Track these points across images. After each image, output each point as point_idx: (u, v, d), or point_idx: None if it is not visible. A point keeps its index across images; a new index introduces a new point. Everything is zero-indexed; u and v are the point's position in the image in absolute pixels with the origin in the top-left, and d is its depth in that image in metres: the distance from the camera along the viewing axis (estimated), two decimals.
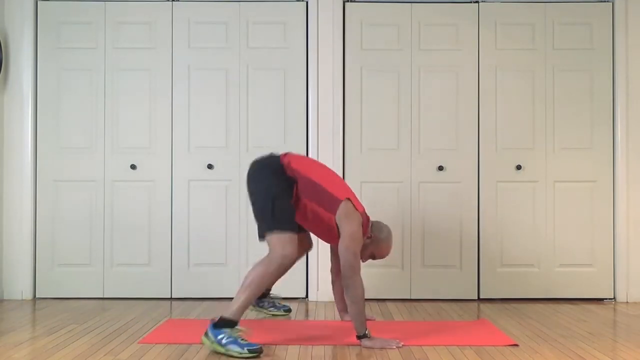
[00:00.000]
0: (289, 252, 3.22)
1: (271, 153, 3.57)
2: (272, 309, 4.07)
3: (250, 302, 3.24)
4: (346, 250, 3.26)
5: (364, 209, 3.49)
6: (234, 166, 4.59)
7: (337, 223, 3.34)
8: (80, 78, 4.63)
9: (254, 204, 3.41)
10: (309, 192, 3.36)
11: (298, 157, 3.53)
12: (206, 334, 3.11)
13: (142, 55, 4.64)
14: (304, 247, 3.68)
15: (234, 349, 3.02)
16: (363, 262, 3.53)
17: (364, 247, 3.47)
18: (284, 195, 3.34)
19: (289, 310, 4.10)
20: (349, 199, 3.37)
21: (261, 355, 3.05)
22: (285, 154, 3.49)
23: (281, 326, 3.73)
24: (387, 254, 3.61)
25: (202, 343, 3.13)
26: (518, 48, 4.65)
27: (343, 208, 3.33)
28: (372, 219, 3.61)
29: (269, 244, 3.26)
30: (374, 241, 3.52)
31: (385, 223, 3.63)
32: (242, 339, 3.07)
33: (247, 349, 3.02)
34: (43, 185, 4.61)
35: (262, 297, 4.03)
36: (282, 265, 3.23)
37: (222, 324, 3.10)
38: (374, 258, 3.59)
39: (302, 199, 3.37)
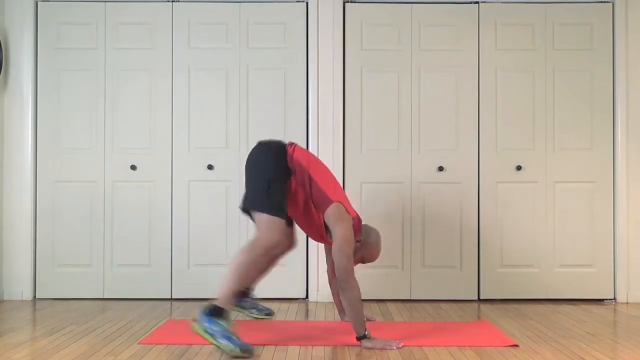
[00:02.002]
0: (276, 238, 3.22)
1: (279, 140, 3.59)
2: (253, 310, 3.91)
3: (239, 289, 3.21)
4: (340, 253, 3.25)
5: (357, 214, 3.49)
6: (234, 166, 4.59)
7: (327, 223, 3.35)
8: (80, 78, 4.63)
9: (249, 180, 3.42)
10: (304, 186, 3.38)
11: (303, 150, 3.53)
12: (197, 321, 3.06)
13: (142, 55, 4.64)
14: (291, 241, 3.53)
15: (227, 344, 2.99)
16: (354, 266, 3.53)
17: (354, 251, 3.44)
18: (281, 181, 3.36)
19: (271, 314, 3.94)
20: (340, 202, 3.37)
21: (251, 356, 3.02)
22: (292, 144, 3.50)
23: (281, 326, 3.73)
24: (376, 257, 3.61)
25: (192, 328, 3.07)
26: (518, 48, 4.65)
27: (334, 209, 3.33)
28: (365, 221, 3.61)
29: (257, 226, 3.27)
30: (363, 245, 3.51)
31: (373, 226, 3.63)
32: (236, 336, 3.03)
33: (240, 348, 3.00)
34: (43, 185, 4.61)
35: (243, 296, 3.86)
36: (267, 252, 3.22)
37: (215, 313, 3.06)
38: (363, 262, 3.59)
39: (298, 191, 3.40)
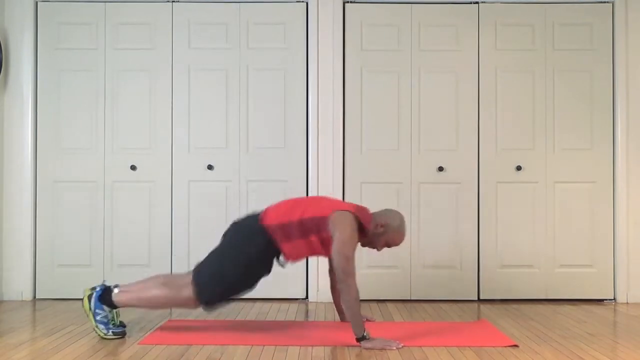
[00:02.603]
0: (188, 306, 3.44)
1: (248, 215, 3.57)
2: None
3: (136, 306, 3.47)
4: (338, 254, 3.26)
5: (355, 206, 3.47)
6: (234, 167, 4.59)
7: (332, 234, 3.35)
8: (80, 78, 4.63)
9: (214, 257, 3.47)
10: (301, 231, 3.37)
11: (273, 209, 3.48)
12: (89, 297, 3.41)
13: (142, 55, 4.64)
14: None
15: (101, 329, 3.38)
16: (379, 250, 3.56)
17: (378, 237, 3.47)
18: (245, 281, 3.43)
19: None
20: (333, 210, 3.38)
21: (123, 337, 3.40)
22: (264, 213, 3.46)
23: (281, 327, 3.73)
24: (400, 242, 3.56)
25: (83, 296, 3.46)
26: (518, 49, 4.65)
27: (331, 220, 3.34)
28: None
29: (194, 288, 3.38)
30: (387, 230, 3.48)
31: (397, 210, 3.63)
32: (113, 322, 3.42)
33: (112, 332, 3.38)
34: (43, 185, 4.62)
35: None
36: (174, 306, 3.46)
37: (107, 301, 3.42)
38: (389, 246, 3.56)
39: (297, 240, 3.38)
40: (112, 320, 3.42)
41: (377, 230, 3.47)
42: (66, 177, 4.62)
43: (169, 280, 3.48)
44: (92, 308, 3.40)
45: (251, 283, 3.46)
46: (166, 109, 4.63)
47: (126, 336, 3.44)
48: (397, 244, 3.57)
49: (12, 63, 4.59)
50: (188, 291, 3.38)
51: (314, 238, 3.38)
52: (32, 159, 4.60)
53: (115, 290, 3.44)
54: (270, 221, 3.41)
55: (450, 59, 4.65)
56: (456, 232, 4.61)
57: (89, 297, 3.42)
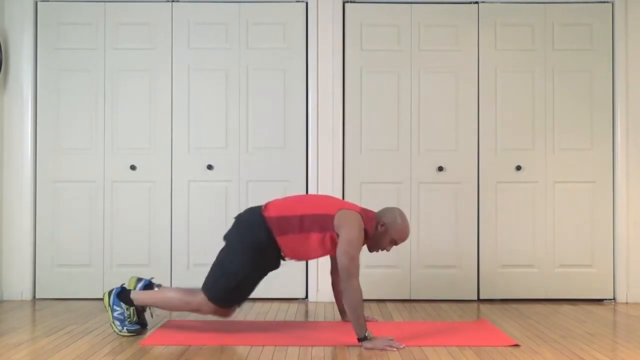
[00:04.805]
0: (207, 312, 3.47)
1: (251, 208, 3.57)
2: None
3: (152, 305, 3.53)
4: (343, 255, 3.25)
5: (361, 207, 3.48)
6: (234, 167, 4.59)
7: (337, 233, 3.34)
8: (80, 79, 4.63)
9: (219, 260, 3.49)
10: (300, 227, 3.36)
11: (276, 203, 3.49)
12: (110, 294, 3.49)
13: (142, 55, 4.64)
14: (227, 315, 3.60)
15: (117, 324, 3.45)
16: (388, 251, 3.55)
17: (382, 236, 3.45)
18: (252, 273, 3.44)
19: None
20: (340, 209, 3.37)
21: (139, 335, 3.44)
22: (266, 206, 3.47)
23: (281, 327, 3.73)
24: (406, 237, 3.51)
25: (104, 293, 3.51)
26: (518, 49, 4.65)
27: (337, 219, 3.33)
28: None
29: (205, 299, 3.42)
30: (388, 227, 3.46)
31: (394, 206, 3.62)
32: (130, 320, 3.45)
33: (127, 329, 3.44)
34: (43, 185, 4.61)
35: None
36: (192, 311, 3.50)
37: (125, 298, 3.48)
38: (396, 244, 3.52)
39: (292, 235, 3.37)
40: (128, 318, 3.46)
41: (379, 230, 3.46)
42: (66, 177, 4.62)
43: (185, 288, 3.57)
44: (111, 304, 3.47)
45: (259, 276, 3.49)
46: (166, 109, 4.63)
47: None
48: (403, 240, 3.52)
49: (12, 63, 4.59)
50: (202, 295, 3.43)
51: (315, 236, 3.35)
52: (32, 159, 4.60)
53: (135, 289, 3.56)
54: (270, 213, 3.41)
55: (450, 59, 4.65)
56: (456, 232, 4.61)
57: (109, 293, 3.50)
